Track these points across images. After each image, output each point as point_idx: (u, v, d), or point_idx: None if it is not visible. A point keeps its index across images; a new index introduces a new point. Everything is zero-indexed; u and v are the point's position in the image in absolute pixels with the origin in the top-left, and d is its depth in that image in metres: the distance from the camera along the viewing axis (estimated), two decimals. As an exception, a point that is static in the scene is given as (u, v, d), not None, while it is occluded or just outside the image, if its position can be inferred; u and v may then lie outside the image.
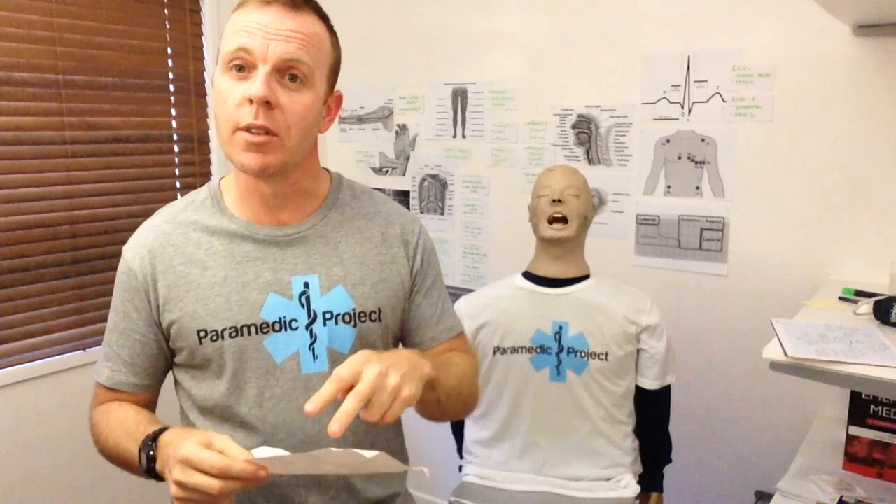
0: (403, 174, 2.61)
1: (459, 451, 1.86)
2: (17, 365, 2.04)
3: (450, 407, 1.07)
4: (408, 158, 2.59)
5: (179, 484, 0.80)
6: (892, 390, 1.13)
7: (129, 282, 1.04)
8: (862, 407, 1.54)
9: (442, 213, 2.54)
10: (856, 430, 1.55)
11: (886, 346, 1.23)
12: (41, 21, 2.01)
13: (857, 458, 1.55)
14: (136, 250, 1.04)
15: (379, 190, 2.64)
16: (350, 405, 0.78)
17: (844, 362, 1.16)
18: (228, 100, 0.94)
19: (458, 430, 1.87)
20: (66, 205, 2.11)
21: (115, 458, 1.00)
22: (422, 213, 2.59)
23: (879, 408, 1.52)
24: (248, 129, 0.93)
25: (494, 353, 1.69)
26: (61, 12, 2.05)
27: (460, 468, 1.82)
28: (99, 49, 2.15)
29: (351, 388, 0.80)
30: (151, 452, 0.89)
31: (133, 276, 1.03)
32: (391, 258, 1.10)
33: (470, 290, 2.16)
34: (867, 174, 1.78)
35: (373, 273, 1.07)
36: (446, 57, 2.44)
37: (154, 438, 0.90)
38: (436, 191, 2.54)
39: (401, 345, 1.18)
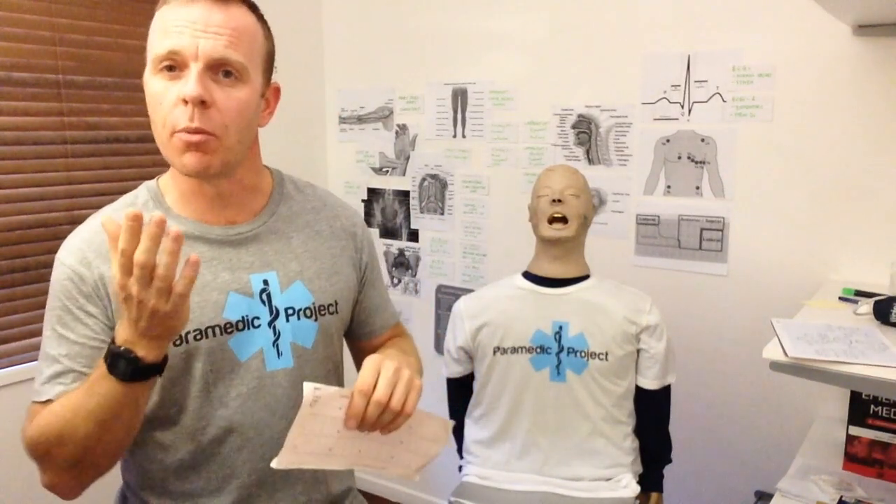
0: (403, 174, 2.61)
1: (459, 451, 1.86)
2: (17, 365, 2.03)
3: None
4: (408, 158, 2.59)
5: (153, 314, 0.79)
6: (892, 390, 1.13)
7: (76, 288, 0.96)
8: (862, 407, 1.54)
9: (442, 213, 2.54)
10: (856, 430, 1.55)
11: (886, 346, 1.23)
12: (41, 21, 2.01)
13: (857, 458, 1.55)
14: (78, 255, 0.98)
15: (379, 190, 2.66)
16: (372, 414, 0.87)
17: (844, 362, 1.16)
18: (163, 102, 0.91)
19: (458, 430, 1.87)
20: (66, 205, 2.11)
21: (86, 430, 0.87)
22: (422, 213, 2.59)
23: (879, 408, 1.52)
24: (184, 131, 0.90)
25: (494, 353, 1.69)
26: (61, 12, 2.05)
27: (460, 468, 1.82)
28: (99, 49, 2.15)
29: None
30: (124, 350, 0.83)
31: (80, 281, 0.96)
32: (340, 250, 1.13)
33: (470, 290, 2.16)
34: (867, 174, 1.78)
35: (327, 266, 1.09)
36: (446, 57, 2.44)
37: (115, 345, 0.84)
38: (436, 191, 2.54)
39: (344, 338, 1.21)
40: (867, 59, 1.75)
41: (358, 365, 1.19)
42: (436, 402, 1.92)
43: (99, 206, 2.15)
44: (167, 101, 0.91)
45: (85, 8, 2.10)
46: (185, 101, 0.89)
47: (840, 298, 1.60)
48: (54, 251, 2.23)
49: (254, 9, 0.99)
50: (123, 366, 0.83)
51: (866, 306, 1.43)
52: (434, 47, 2.46)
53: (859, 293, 1.59)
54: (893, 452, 1.51)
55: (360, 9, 2.61)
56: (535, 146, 2.29)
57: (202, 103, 0.90)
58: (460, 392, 1.83)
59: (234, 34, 0.92)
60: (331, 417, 0.86)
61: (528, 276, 1.73)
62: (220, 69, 0.92)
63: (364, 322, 1.20)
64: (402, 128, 2.58)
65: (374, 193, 2.69)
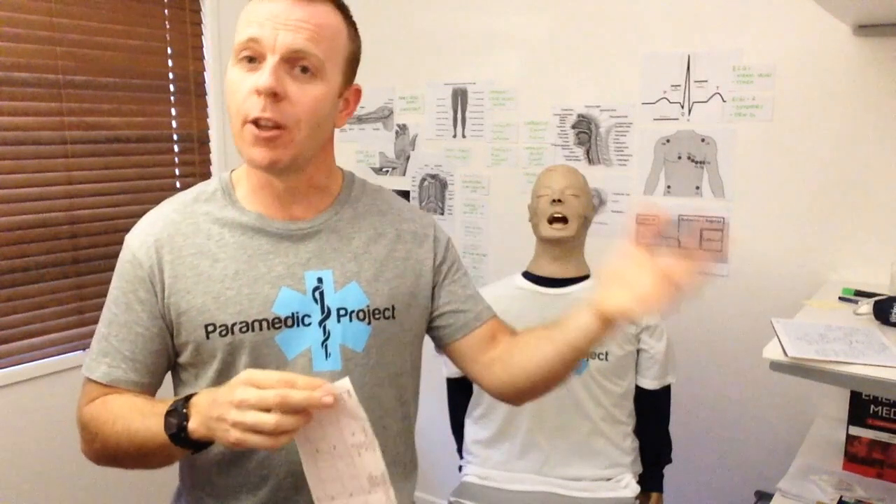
0: (403, 174, 2.61)
1: (459, 451, 1.86)
2: (17, 365, 2.04)
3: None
4: (408, 158, 2.59)
5: (237, 424, 0.79)
6: (892, 390, 1.13)
7: (133, 271, 0.99)
8: (862, 407, 1.54)
9: (442, 213, 2.54)
10: (856, 430, 1.55)
11: (886, 346, 1.23)
12: (41, 21, 2.01)
13: (857, 458, 1.55)
14: (141, 238, 1.00)
15: (379, 190, 2.66)
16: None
17: (844, 362, 1.16)
18: (238, 91, 0.93)
19: (458, 430, 1.87)
20: (66, 205, 2.11)
21: (125, 445, 0.93)
22: (422, 213, 2.59)
23: (879, 408, 1.52)
24: (256, 122, 0.91)
25: (494, 353, 1.68)
26: (61, 12, 2.05)
27: (460, 468, 1.82)
28: (99, 49, 2.15)
29: None
30: (185, 410, 0.85)
31: (138, 265, 0.99)
32: (405, 254, 1.08)
33: (470, 290, 2.16)
34: (867, 174, 1.78)
35: (387, 270, 1.06)
36: (446, 57, 2.44)
37: (186, 400, 0.87)
38: (436, 191, 2.54)
39: (441, 337, 1.15)
40: (867, 59, 1.75)
41: (466, 370, 1.15)
42: (436, 402, 1.92)
43: (99, 206, 2.17)
44: (241, 92, 0.92)
45: (85, 8, 2.11)
46: (259, 92, 0.90)
47: (840, 298, 1.60)
48: (54, 251, 2.25)
49: (342, 9, 0.99)
50: (173, 423, 0.87)
51: (866, 306, 1.43)
52: (434, 47, 2.46)
53: (859, 293, 1.59)
54: (893, 452, 1.51)
55: (360, 9, 2.60)
56: (535, 146, 2.29)
57: (274, 95, 0.90)
58: (460, 392, 1.83)
59: (315, 29, 0.92)
60: (337, 424, 0.82)
61: (528, 276, 1.73)
62: (297, 63, 0.92)
63: (455, 314, 1.12)
64: (402, 128, 2.58)
65: (374, 193, 2.69)
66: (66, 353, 2.14)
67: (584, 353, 1.03)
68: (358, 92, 1.05)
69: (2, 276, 1.99)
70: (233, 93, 0.94)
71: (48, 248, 2.08)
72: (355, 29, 1.01)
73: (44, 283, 2.08)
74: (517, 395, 1.15)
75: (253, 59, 0.92)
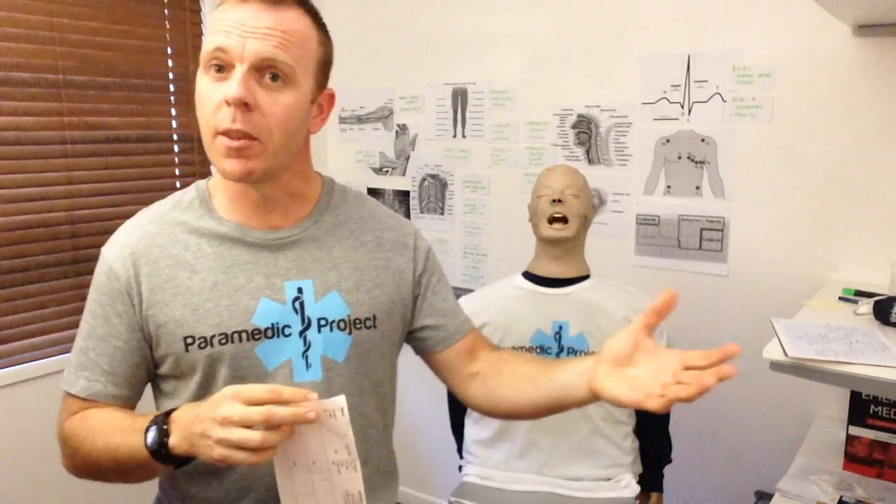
0: (403, 174, 2.61)
1: (459, 451, 1.86)
2: (17, 365, 2.04)
3: None
4: (408, 158, 2.59)
5: (221, 441, 0.79)
6: (892, 390, 1.13)
7: (110, 284, 0.98)
8: (862, 407, 1.54)
9: (442, 213, 2.54)
10: (856, 430, 1.55)
11: (886, 346, 1.23)
12: (41, 21, 2.01)
13: (857, 458, 1.55)
14: (117, 250, 0.99)
15: (379, 190, 2.66)
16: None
17: (844, 362, 1.16)
18: (207, 103, 0.91)
19: (458, 430, 1.87)
20: (66, 205, 2.11)
21: (106, 462, 0.93)
22: (422, 213, 2.59)
23: (879, 408, 1.52)
24: (226, 133, 0.89)
25: (494, 353, 1.69)
26: (61, 12, 2.05)
27: (460, 468, 1.82)
28: (99, 49, 2.15)
29: None
30: (165, 427, 0.85)
31: (115, 277, 0.97)
32: (386, 262, 1.08)
33: (470, 290, 2.16)
34: (867, 174, 1.78)
35: (367, 279, 1.05)
36: (446, 57, 2.44)
37: (166, 416, 0.87)
38: (436, 191, 2.54)
39: (422, 347, 1.15)
40: (867, 59, 1.75)
41: (445, 380, 1.15)
42: (436, 402, 1.92)
43: (99, 206, 2.17)
44: (211, 103, 0.90)
45: (85, 8, 2.11)
46: (228, 103, 0.88)
47: (840, 298, 1.60)
48: (54, 251, 2.25)
49: (312, 13, 0.96)
50: (153, 437, 0.86)
51: (866, 306, 1.43)
52: (434, 47, 2.46)
53: (859, 293, 1.59)
54: (893, 452, 1.51)
55: (360, 9, 2.61)
56: (535, 146, 2.29)
57: (245, 105, 0.88)
58: (460, 392, 1.83)
59: (284, 36, 0.90)
60: (320, 440, 0.82)
61: (528, 275, 1.73)
62: (266, 71, 0.90)
63: (435, 329, 1.13)
64: (402, 128, 2.58)
65: (374, 193, 2.68)
66: (66, 353, 2.12)
67: (565, 410, 1.03)
68: (331, 97, 1.03)
69: (2, 276, 1.99)
70: (202, 104, 0.92)
71: (48, 248, 2.08)
72: (326, 32, 1.00)
73: (44, 283, 2.08)
74: (494, 415, 1.16)
75: (221, 69, 0.90)
